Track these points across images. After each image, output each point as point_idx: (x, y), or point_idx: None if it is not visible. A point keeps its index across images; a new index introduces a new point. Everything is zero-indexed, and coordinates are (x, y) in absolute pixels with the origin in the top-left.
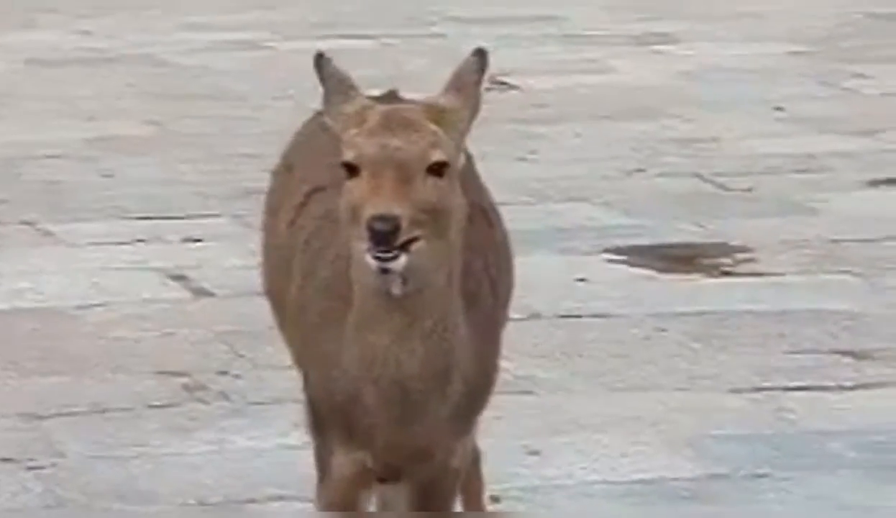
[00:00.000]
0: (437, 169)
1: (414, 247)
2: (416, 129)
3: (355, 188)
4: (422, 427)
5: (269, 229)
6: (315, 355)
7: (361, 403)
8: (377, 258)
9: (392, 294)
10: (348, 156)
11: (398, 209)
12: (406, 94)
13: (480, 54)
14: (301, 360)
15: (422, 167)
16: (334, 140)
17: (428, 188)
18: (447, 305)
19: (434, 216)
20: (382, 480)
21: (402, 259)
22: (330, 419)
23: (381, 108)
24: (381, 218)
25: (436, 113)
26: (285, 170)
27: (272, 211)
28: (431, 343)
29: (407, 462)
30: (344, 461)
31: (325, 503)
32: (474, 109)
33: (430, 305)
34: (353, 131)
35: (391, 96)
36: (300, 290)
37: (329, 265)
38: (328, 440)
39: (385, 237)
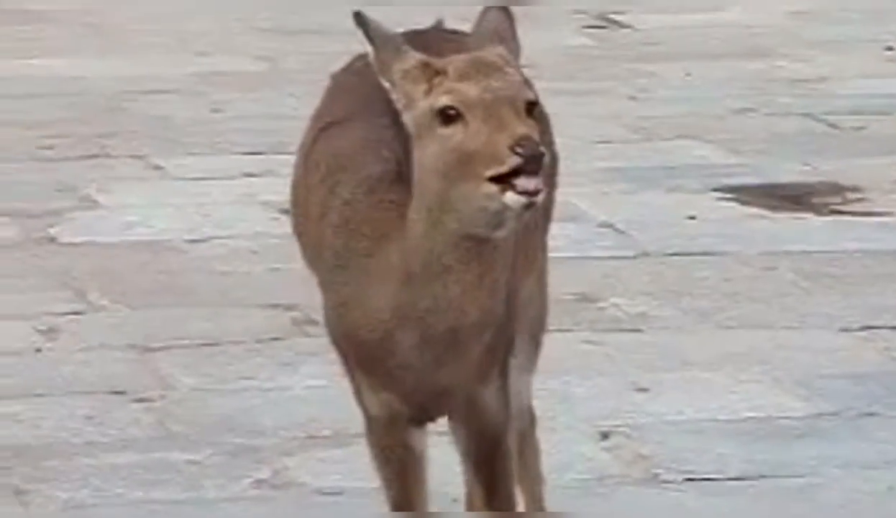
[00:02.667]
0: (531, 109)
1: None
2: (505, 71)
3: (460, 132)
4: (454, 368)
5: (294, 168)
6: (334, 296)
7: (391, 347)
8: (525, 191)
9: (488, 240)
10: (444, 101)
11: (536, 135)
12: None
13: (502, 8)
14: (323, 298)
15: (523, 106)
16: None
17: (532, 125)
18: (510, 251)
19: None
20: (417, 423)
21: (544, 193)
22: (354, 360)
23: (455, 57)
24: (529, 139)
25: (505, 59)
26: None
27: (298, 150)
28: (495, 292)
29: (436, 403)
30: (373, 403)
31: (372, 444)
32: (519, 59)
33: (504, 254)
34: (436, 80)
35: (437, 28)
36: (316, 228)
37: (344, 205)
38: (356, 381)
39: (538, 159)
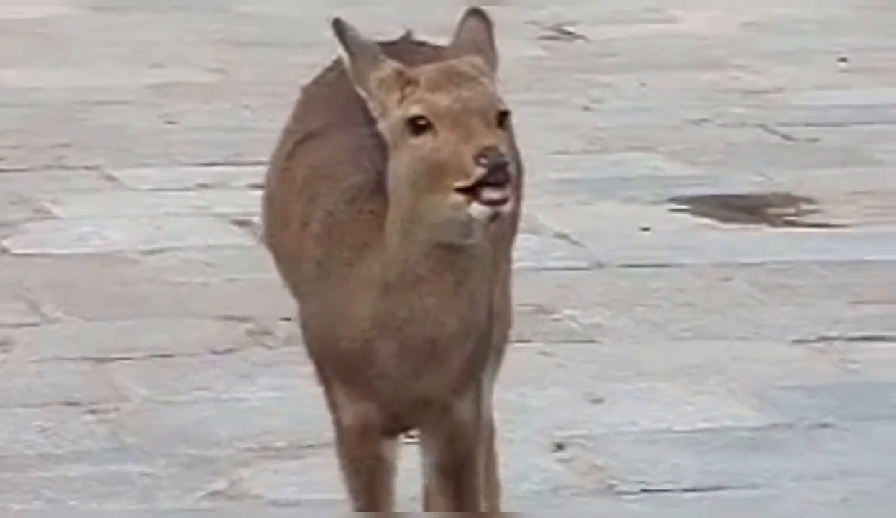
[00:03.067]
0: (501, 119)
1: (509, 190)
2: (478, 81)
3: (429, 142)
4: (432, 380)
5: (266, 178)
6: (315, 307)
7: (370, 357)
8: (490, 202)
9: (462, 249)
10: (414, 111)
11: (502, 146)
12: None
13: (480, 15)
14: (301, 309)
15: (493, 116)
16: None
17: (501, 136)
18: (488, 261)
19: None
20: (392, 432)
21: (511, 203)
22: (332, 370)
23: (428, 66)
24: (494, 149)
25: (480, 69)
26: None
27: (272, 161)
28: (472, 302)
29: (412, 415)
30: (349, 412)
31: (342, 455)
32: (496, 70)
33: (479, 263)
34: (407, 90)
35: (406, 39)
36: (297, 239)
37: (325, 216)
38: (334, 390)
39: (503, 169)
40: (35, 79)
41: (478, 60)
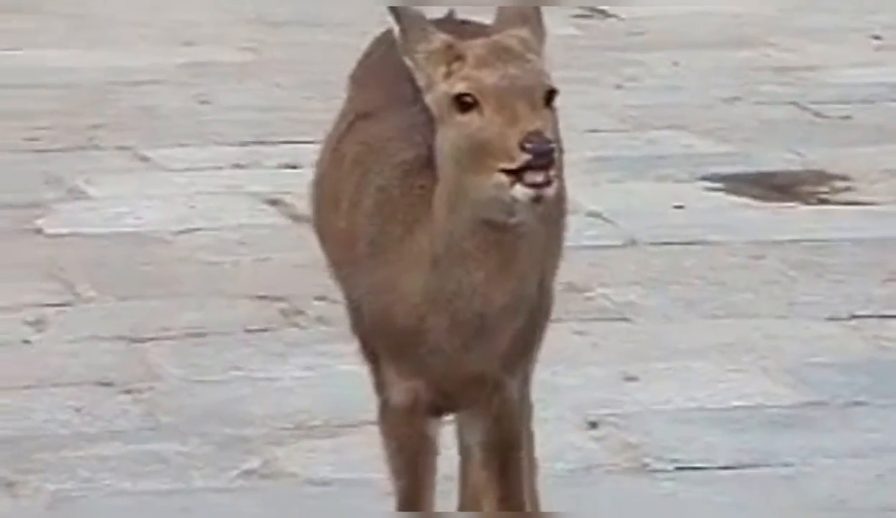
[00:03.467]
0: (549, 98)
1: (552, 173)
2: (525, 58)
3: (476, 120)
4: (482, 356)
5: (319, 160)
6: (367, 284)
7: (422, 332)
8: (533, 185)
9: (507, 228)
10: (460, 87)
11: (547, 130)
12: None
13: None
14: (352, 289)
15: (541, 95)
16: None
17: (548, 116)
18: (538, 241)
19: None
20: (438, 413)
21: (554, 185)
22: (383, 348)
23: (476, 41)
24: (538, 134)
25: (527, 44)
26: (343, 104)
27: (325, 142)
28: (521, 279)
29: (461, 392)
30: (399, 390)
31: (388, 433)
32: (544, 42)
33: (527, 241)
34: (455, 65)
35: (449, 18)
36: (348, 218)
37: (377, 191)
38: (383, 369)
39: (547, 154)
40: (68, 59)
41: (525, 33)
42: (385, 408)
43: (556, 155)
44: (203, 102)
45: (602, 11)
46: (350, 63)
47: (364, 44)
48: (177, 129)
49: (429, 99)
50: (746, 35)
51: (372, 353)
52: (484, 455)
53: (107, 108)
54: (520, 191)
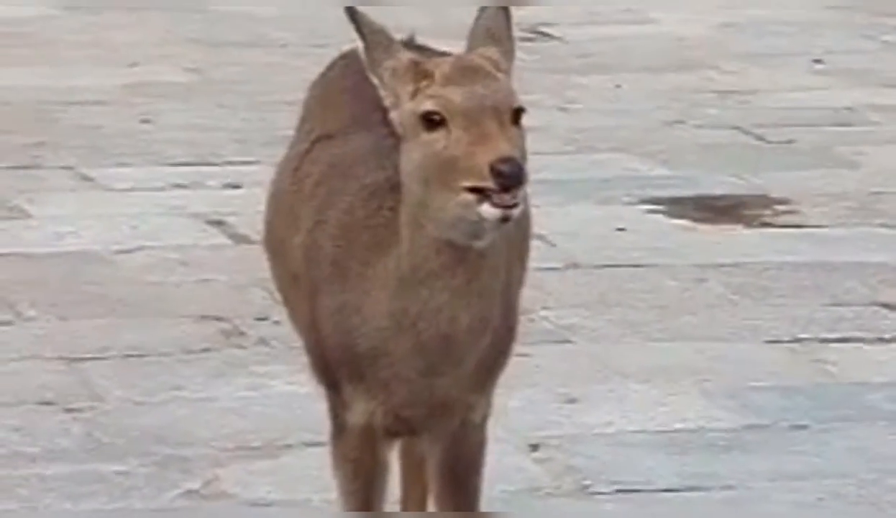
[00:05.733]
0: (516, 116)
1: (521, 194)
2: (493, 77)
3: (443, 139)
4: (448, 380)
5: (276, 177)
6: (330, 305)
7: (386, 355)
8: (500, 206)
9: (474, 247)
10: (427, 106)
11: (516, 152)
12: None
13: (505, 10)
14: (311, 310)
15: (508, 114)
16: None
17: (515, 134)
18: (502, 260)
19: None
20: (396, 435)
21: (521, 207)
22: (345, 370)
23: (443, 58)
24: (509, 159)
25: (495, 62)
26: (300, 120)
27: (283, 160)
28: (485, 299)
29: (425, 416)
30: (357, 413)
31: (342, 456)
32: (513, 60)
33: (493, 260)
34: (422, 83)
35: (409, 43)
36: (310, 238)
37: (342, 213)
38: (341, 392)
39: (517, 179)
40: (11, 78)
41: (493, 52)
42: (341, 431)
43: (525, 177)
44: (146, 122)
45: (545, 34)
46: (293, 83)
47: (306, 64)
48: (120, 149)
49: (394, 116)
50: (689, 58)
51: (328, 375)
52: (440, 477)
53: (50, 128)
54: (487, 210)
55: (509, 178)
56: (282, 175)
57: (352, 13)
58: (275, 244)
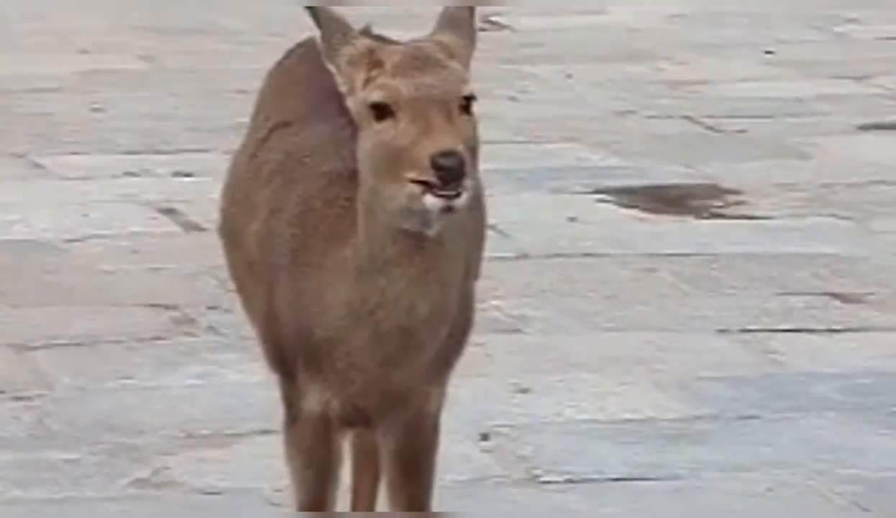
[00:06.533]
0: (467, 104)
1: (467, 183)
2: (443, 65)
3: (391, 129)
4: (405, 371)
5: (232, 165)
6: (288, 294)
7: (343, 344)
8: (443, 196)
9: (426, 236)
10: (376, 96)
11: (459, 145)
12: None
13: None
14: (268, 298)
15: (457, 103)
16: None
17: (464, 124)
18: (461, 249)
19: (470, 153)
20: (350, 425)
21: (465, 196)
22: (302, 359)
23: (396, 47)
24: (450, 153)
25: (448, 50)
26: (256, 108)
27: (240, 148)
28: (444, 288)
29: (381, 405)
30: (313, 402)
31: (296, 445)
32: (472, 47)
33: (451, 249)
34: (374, 72)
35: (365, 32)
36: (266, 226)
37: (299, 202)
38: (297, 381)
39: (456, 173)
40: None
41: (448, 38)
42: (295, 419)
43: (467, 170)
44: (97, 110)
45: (496, 23)
46: (245, 72)
47: (259, 53)
48: (71, 136)
49: (350, 103)
50: (640, 49)
51: (283, 364)
52: (395, 463)
53: (0, 115)
54: (430, 201)
55: (449, 171)
56: (238, 163)
57: (309, 3)
58: (230, 232)
